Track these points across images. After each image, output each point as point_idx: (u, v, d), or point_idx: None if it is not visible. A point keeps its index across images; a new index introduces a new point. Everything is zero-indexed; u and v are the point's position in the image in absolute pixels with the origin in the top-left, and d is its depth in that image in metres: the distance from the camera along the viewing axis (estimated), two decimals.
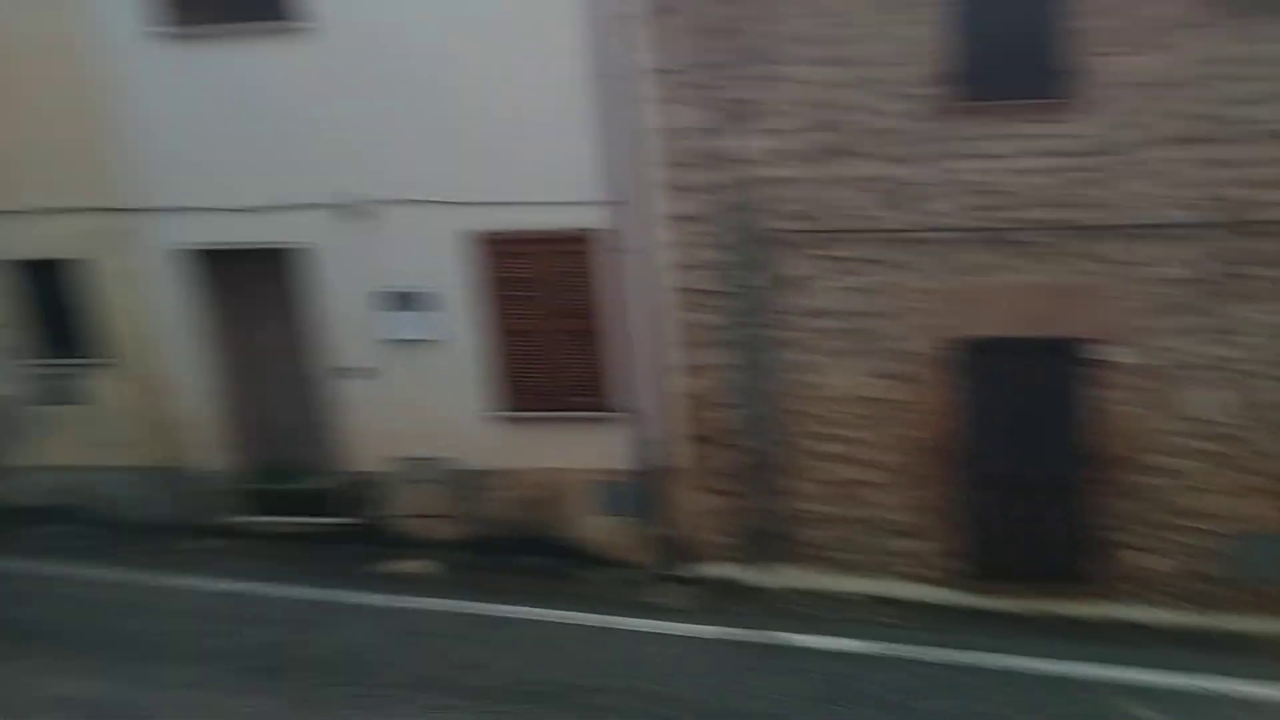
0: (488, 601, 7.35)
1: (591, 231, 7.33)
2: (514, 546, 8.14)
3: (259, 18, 7.41)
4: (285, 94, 7.55)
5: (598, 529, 7.99)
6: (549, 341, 7.68)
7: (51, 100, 7.96)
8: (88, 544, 8.50)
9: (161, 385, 8.43)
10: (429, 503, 8.22)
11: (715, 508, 7.57)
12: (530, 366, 7.78)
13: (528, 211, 7.34)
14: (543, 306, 7.61)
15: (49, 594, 7.60)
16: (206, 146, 7.78)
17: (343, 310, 7.93)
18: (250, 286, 8.36)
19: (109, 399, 8.58)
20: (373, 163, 7.55)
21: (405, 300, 7.78)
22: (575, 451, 7.85)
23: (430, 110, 7.36)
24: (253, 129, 7.67)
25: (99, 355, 8.49)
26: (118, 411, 8.58)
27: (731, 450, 7.41)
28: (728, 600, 7.46)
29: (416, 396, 7.99)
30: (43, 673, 6.45)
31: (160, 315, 8.27)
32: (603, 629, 7.01)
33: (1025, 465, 6.96)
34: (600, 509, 7.93)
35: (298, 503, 8.58)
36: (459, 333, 7.78)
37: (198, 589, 7.65)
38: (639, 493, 7.77)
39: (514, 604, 7.31)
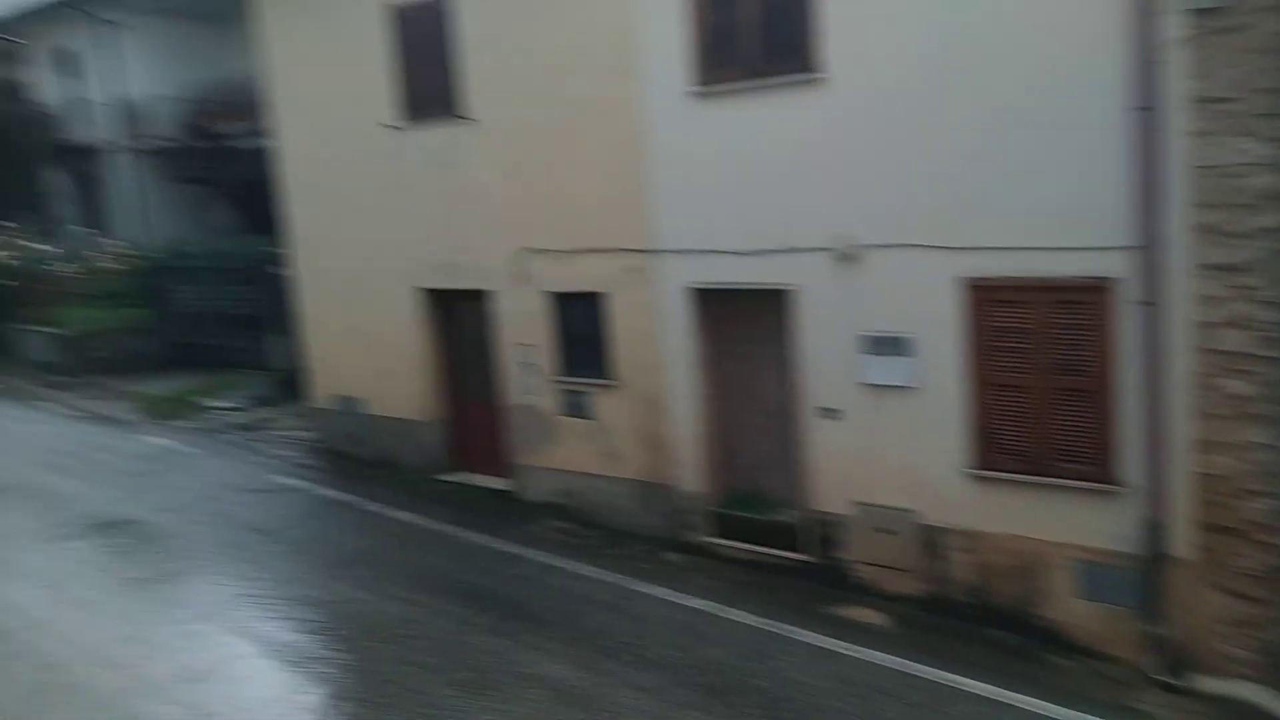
0: (941, 668, 6.83)
1: (1103, 280, 6.61)
2: (975, 614, 7.51)
3: (775, 73, 7.90)
4: (791, 143, 7.92)
5: (1077, 612, 7.07)
6: (1039, 398, 7.04)
7: (598, 154, 9.15)
8: (579, 542, 9.47)
9: (656, 408, 9.19)
10: (887, 552, 7.92)
11: (1233, 613, 6.28)
12: (1014, 424, 7.19)
13: (1027, 257, 6.86)
14: (1035, 360, 7.01)
15: (543, 581, 8.53)
16: (717, 193, 8.41)
17: (824, 350, 8.03)
18: (742, 323, 8.83)
19: (611, 416, 9.56)
20: (868, 207, 7.61)
21: (885, 345, 7.67)
22: (1058, 522, 7.06)
23: (928, 153, 7.26)
24: (759, 176, 8.14)
25: (607, 376, 9.51)
26: (617, 428, 9.53)
27: (1262, 548, 6.12)
28: None
29: (887, 443, 7.80)
30: (527, 649, 7.21)
31: (661, 345, 9.05)
32: None
33: None
34: (1083, 591, 7.01)
35: (760, 532, 8.78)
36: (937, 382, 7.47)
37: (662, 599, 8.12)
38: (1133, 580, 6.73)
39: (971, 677, 6.71)
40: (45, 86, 23.17)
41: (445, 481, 11.06)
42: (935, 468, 7.58)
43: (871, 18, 7.37)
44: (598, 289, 9.40)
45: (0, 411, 14.84)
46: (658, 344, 9.06)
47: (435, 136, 10.41)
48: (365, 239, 11.37)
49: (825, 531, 8.29)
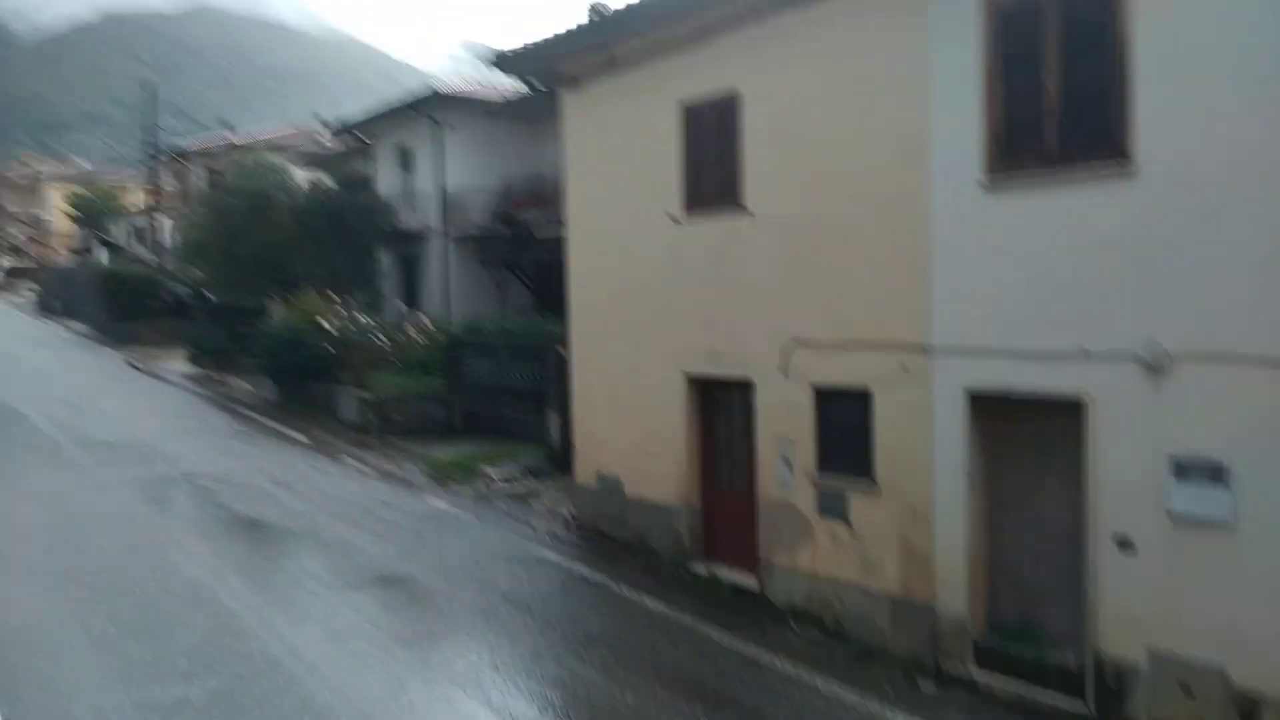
0: None
1: None
2: None
3: (1077, 163, 7.26)
4: (1093, 238, 7.20)
5: None
6: None
7: (875, 247, 8.82)
8: (825, 654, 8.86)
9: (919, 518, 8.51)
10: (1187, 714, 6.69)
11: None
12: None
13: None
14: None
15: (783, 693, 8.01)
16: (1004, 290, 7.80)
17: (1122, 471, 7.07)
18: (1025, 432, 8.02)
19: (869, 521, 8.97)
20: (1182, 311, 6.71)
21: (1199, 470, 6.61)
22: None
23: (1262, 251, 6.31)
24: (1054, 274, 7.46)
25: (868, 478, 8.96)
26: (875, 534, 8.92)
27: None
28: None
29: (1195, 585, 6.67)
30: None
31: (930, 450, 8.41)
32: None
33: None
34: None
35: (1032, 670, 7.76)
36: (1265, 518, 6.31)
37: None
38: None
39: None
40: (384, 179, 26.47)
41: (694, 571, 10.89)
42: (1257, 620, 6.37)
43: (1193, 104, 6.62)
44: (864, 386, 8.97)
45: (310, 464, 16.62)
46: (926, 448, 8.44)
47: (712, 228, 10.57)
48: (638, 323, 11.68)
49: (1110, 679, 7.17)
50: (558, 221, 14.25)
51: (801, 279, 9.55)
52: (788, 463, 9.74)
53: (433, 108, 23.67)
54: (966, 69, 7.98)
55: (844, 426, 9.21)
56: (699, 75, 10.60)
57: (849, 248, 9.08)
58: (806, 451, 9.57)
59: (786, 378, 9.72)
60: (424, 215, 24.39)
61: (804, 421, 9.58)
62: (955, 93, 8.07)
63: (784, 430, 9.79)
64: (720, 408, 10.91)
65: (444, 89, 23.85)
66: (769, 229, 9.87)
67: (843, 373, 9.18)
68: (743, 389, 10.32)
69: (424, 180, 24.63)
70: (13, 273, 58.75)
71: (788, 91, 9.62)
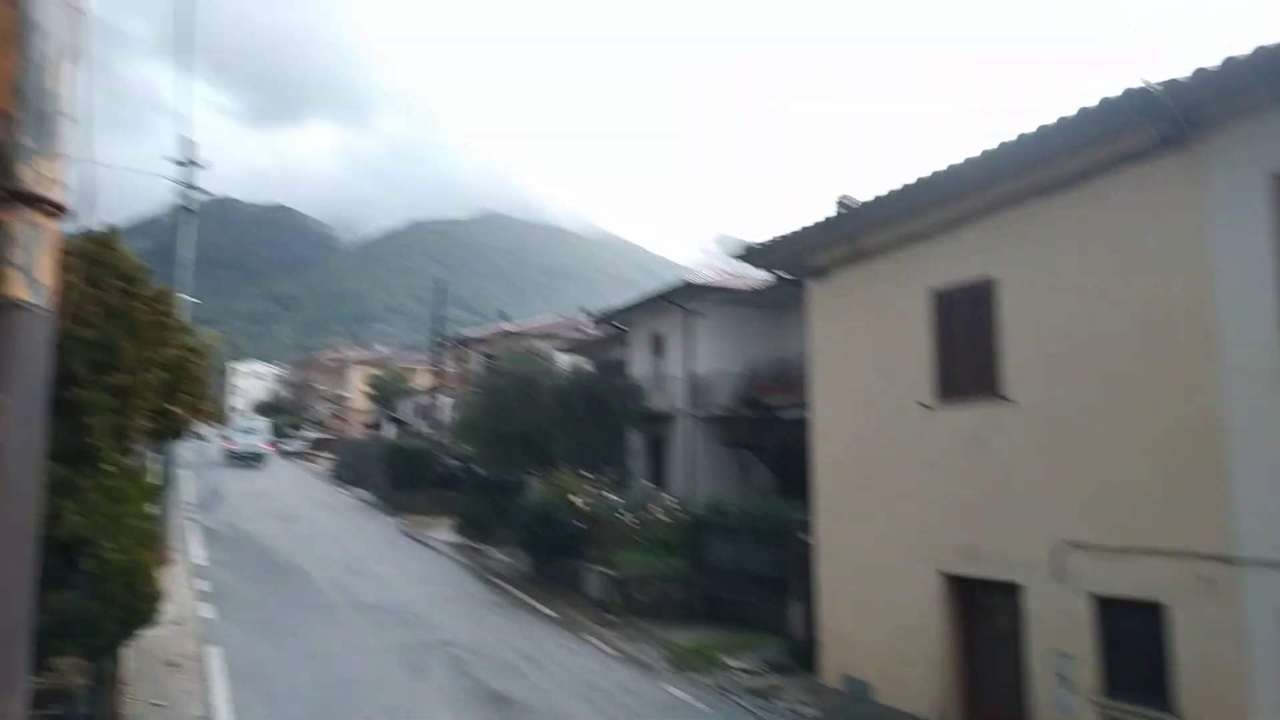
0: None
1: None
2: None
3: None
4: None
5: None
6: None
7: (1157, 441, 8.00)
8: None
9: None
10: None
11: None
12: None
13: None
14: None
15: None
16: None
17: None
18: None
19: None
20: None
21: None
22: None
23: None
24: None
25: (1168, 709, 7.73)
26: None
27: None
28: None
29: None
30: None
31: (1247, 679, 7.17)
32: None
33: None
34: None
35: None
36: None
37: None
38: None
39: None
40: (637, 362, 27.70)
41: None
42: None
43: None
44: (1154, 597, 7.91)
45: (556, 640, 16.76)
46: (1241, 676, 7.21)
47: (968, 416, 10.04)
48: (886, 514, 11.11)
49: None
50: (801, 405, 14.13)
51: (1072, 474, 8.75)
52: (1066, 682, 8.63)
53: (684, 297, 24.74)
54: (1256, 246, 7.29)
55: (1134, 644, 8.11)
56: (950, 262, 10.38)
57: (1127, 442, 8.27)
58: (1088, 671, 8.45)
59: (1059, 583, 8.77)
60: (672, 397, 25.09)
61: (1083, 635, 8.52)
62: (1244, 272, 7.36)
63: (1059, 644, 8.74)
64: (982, 612, 9.97)
65: (695, 280, 24.91)
66: (1033, 419, 9.21)
67: (1128, 582, 8.16)
68: (1007, 592, 9.40)
69: (673, 364, 25.49)
70: (315, 444, 66.11)
71: (1049, 275, 9.18)
